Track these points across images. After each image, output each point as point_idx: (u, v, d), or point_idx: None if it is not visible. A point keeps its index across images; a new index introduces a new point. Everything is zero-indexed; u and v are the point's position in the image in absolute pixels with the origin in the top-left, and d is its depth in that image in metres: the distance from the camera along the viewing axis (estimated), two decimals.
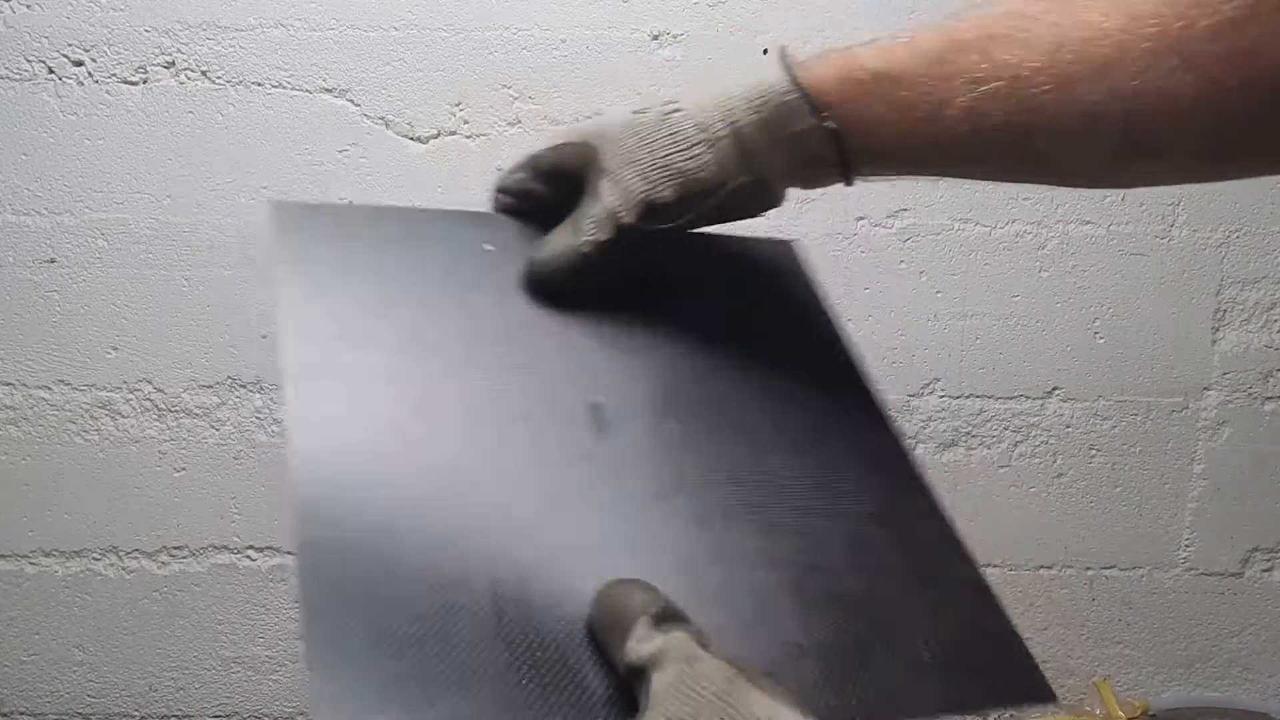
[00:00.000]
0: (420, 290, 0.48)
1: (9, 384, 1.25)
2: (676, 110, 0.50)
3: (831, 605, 0.42)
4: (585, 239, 0.49)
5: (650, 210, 0.48)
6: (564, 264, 0.50)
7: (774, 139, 0.48)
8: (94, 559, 1.27)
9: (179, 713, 1.30)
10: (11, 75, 1.20)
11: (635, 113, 0.51)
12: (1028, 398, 1.29)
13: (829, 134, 0.47)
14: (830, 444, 0.48)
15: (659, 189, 0.48)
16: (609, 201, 0.49)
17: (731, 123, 0.49)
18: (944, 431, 1.29)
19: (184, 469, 1.27)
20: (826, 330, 0.54)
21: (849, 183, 0.50)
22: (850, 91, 0.48)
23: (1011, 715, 1.33)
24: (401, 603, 0.36)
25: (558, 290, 0.50)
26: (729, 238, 0.55)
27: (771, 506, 0.44)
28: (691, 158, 0.49)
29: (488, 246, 0.51)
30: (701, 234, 0.52)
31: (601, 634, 0.37)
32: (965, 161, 0.48)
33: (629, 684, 0.36)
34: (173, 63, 1.21)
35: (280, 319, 0.45)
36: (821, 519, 0.45)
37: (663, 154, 0.49)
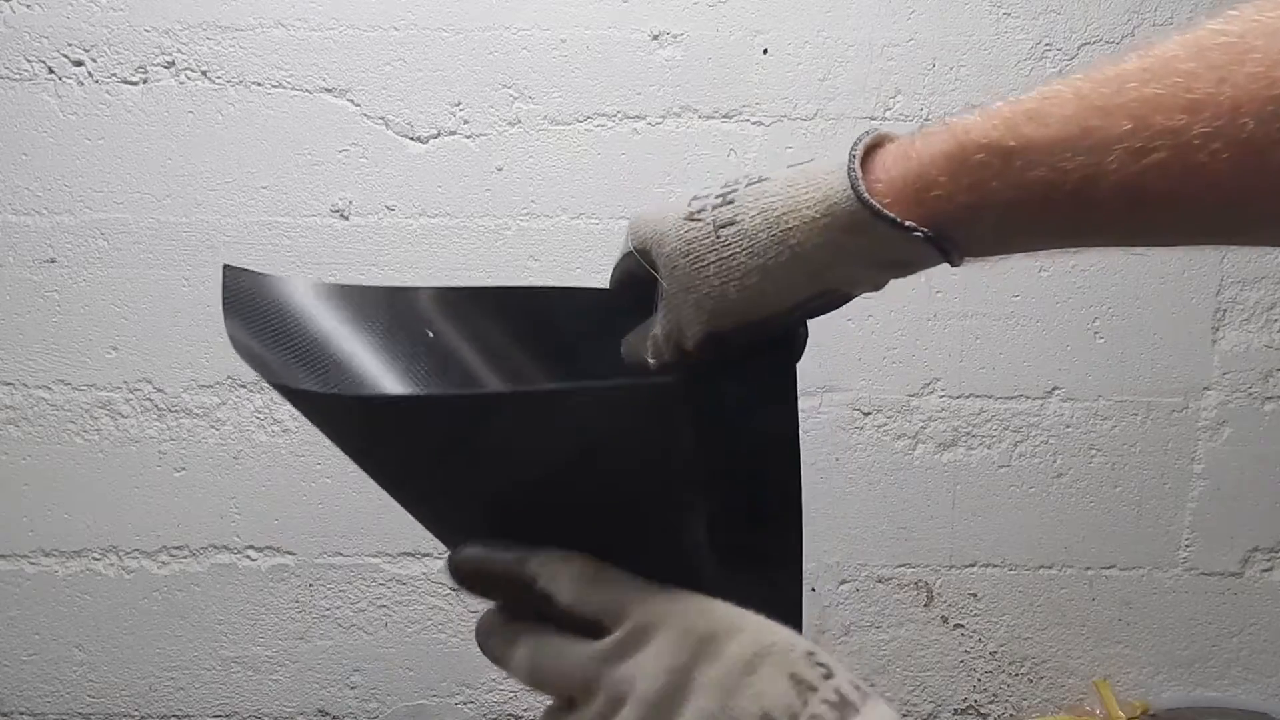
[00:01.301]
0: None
1: (9, 384, 1.25)
2: (730, 224, 0.44)
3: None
4: (651, 360, 0.47)
5: (711, 341, 0.45)
6: (642, 362, 0.48)
7: (843, 255, 0.42)
8: (94, 559, 1.27)
9: (179, 713, 1.30)
10: (11, 75, 1.20)
11: (689, 218, 0.45)
12: (1028, 398, 1.29)
13: (922, 241, 0.41)
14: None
15: (716, 320, 0.44)
16: (669, 329, 0.46)
17: (790, 245, 0.42)
18: (944, 431, 1.29)
19: (184, 469, 1.27)
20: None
21: (955, 265, 0.44)
22: (965, 177, 0.40)
23: (1012, 715, 1.33)
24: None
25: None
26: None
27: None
28: (745, 288, 0.43)
29: (430, 333, 0.49)
30: None
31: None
32: (1116, 236, 0.41)
33: None
34: (173, 63, 1.21)
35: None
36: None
37: (717, 283, 0.43)
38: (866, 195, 0.41)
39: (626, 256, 0.49)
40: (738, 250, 0.43)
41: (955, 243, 0.41)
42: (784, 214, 0.42)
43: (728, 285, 0.43)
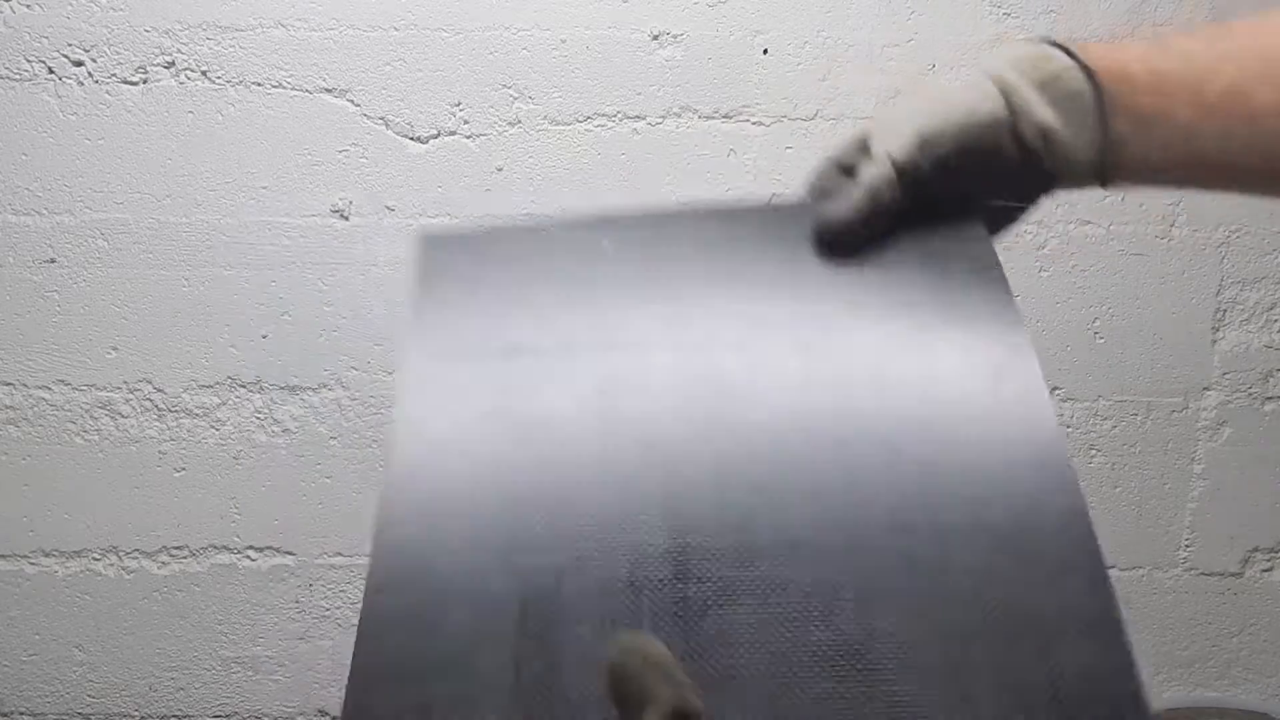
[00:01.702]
0: (538, 299, 0.49)
1: (9, 384, 1.25)
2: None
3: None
4: (864, 186, 0.48)
5: (922, 141, 0.47)
6: (848, 214, 0.48)
7: (1037, 84, 0.48)
8: (94, 559, 1.27)
9: (179, 713, 1.30)
10: (11, 75, 1.20)
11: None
12: None
13: (1088, 78, 0.47)
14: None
15: (927, 120, 0.48)
16: (880, 144, 0.48)
17: (989, 73, 0.49)
18: None
19: (184, 469, 1.27)
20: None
21: (1104, 184, 0.49)
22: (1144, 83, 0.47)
23: None
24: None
25: (844, 248, 0.48)
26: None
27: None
28: (958, 95, 0.48)
29: (605, 244, 0.51)
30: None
31: (615, 703, 0.34)
32: (1226, 141, 0.48)
33: None
34: (173, 63, 1.21)
35: (408, 342, 0.47)
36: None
37: (929, 93, 0.49)
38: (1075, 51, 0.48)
39: (839, 151, 0.52)
40: (946, 86, 0.50)
41: (1103, 86, 0.48)
42: (999, 60, 0.50)
43: (939, 96, 0.49)
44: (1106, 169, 0.48)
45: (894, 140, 0.48)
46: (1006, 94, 0.48)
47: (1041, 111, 0.47)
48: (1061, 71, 0.48)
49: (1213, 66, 0.47)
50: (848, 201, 0.48)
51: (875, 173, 0.48)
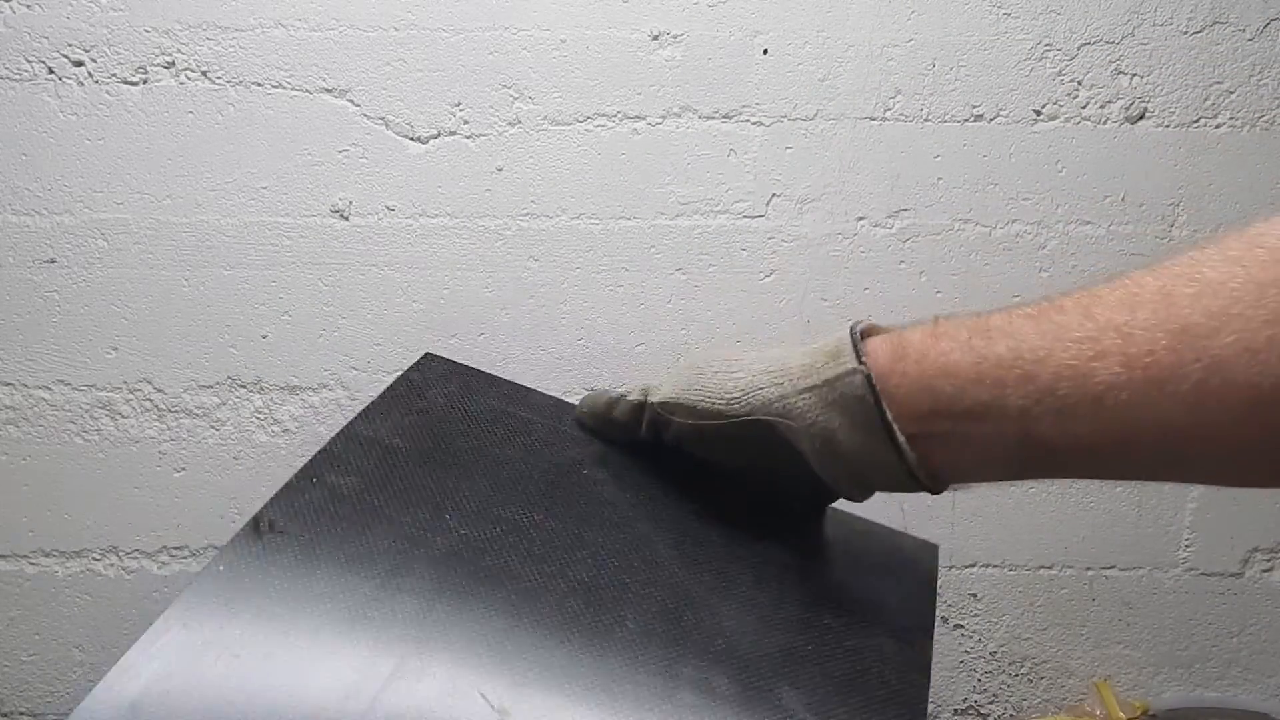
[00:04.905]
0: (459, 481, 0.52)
1: (9, 384, 1.25)
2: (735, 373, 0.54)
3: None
4: (617, 400, 0.60)
5: (668, 407, 0.56)
6: (596, 413, 0.61)
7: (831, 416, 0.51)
8: (94, 559, 1.27)
9: None
10: (11, 75, 1.20)
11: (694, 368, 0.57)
12: None
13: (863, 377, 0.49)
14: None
15: (688, 394, 0.54)
16: (643, 384, 0.59)
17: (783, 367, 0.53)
18: None
19: (184, 469, 1.27)
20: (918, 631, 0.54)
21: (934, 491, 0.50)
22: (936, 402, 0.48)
23: (1012, 715, 1.33)
24: None
25: (593, 433, 0.61)
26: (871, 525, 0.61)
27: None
28: (730, 387, 0.53)
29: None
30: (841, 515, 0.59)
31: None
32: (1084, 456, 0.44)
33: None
34: (173, 63, 1.21)
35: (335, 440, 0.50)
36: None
37: (711, 365, 0.55)
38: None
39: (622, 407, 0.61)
40: (741, 362, 0.54)
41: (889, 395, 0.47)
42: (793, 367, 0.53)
43: (725, 377, 0.54)
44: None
45: (653, 385, 0.58)
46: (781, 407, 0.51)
47: (818, 414, 0.49)
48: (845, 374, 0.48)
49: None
50: (599, 404, 0.61)
51: (614, 405, 0.60)
